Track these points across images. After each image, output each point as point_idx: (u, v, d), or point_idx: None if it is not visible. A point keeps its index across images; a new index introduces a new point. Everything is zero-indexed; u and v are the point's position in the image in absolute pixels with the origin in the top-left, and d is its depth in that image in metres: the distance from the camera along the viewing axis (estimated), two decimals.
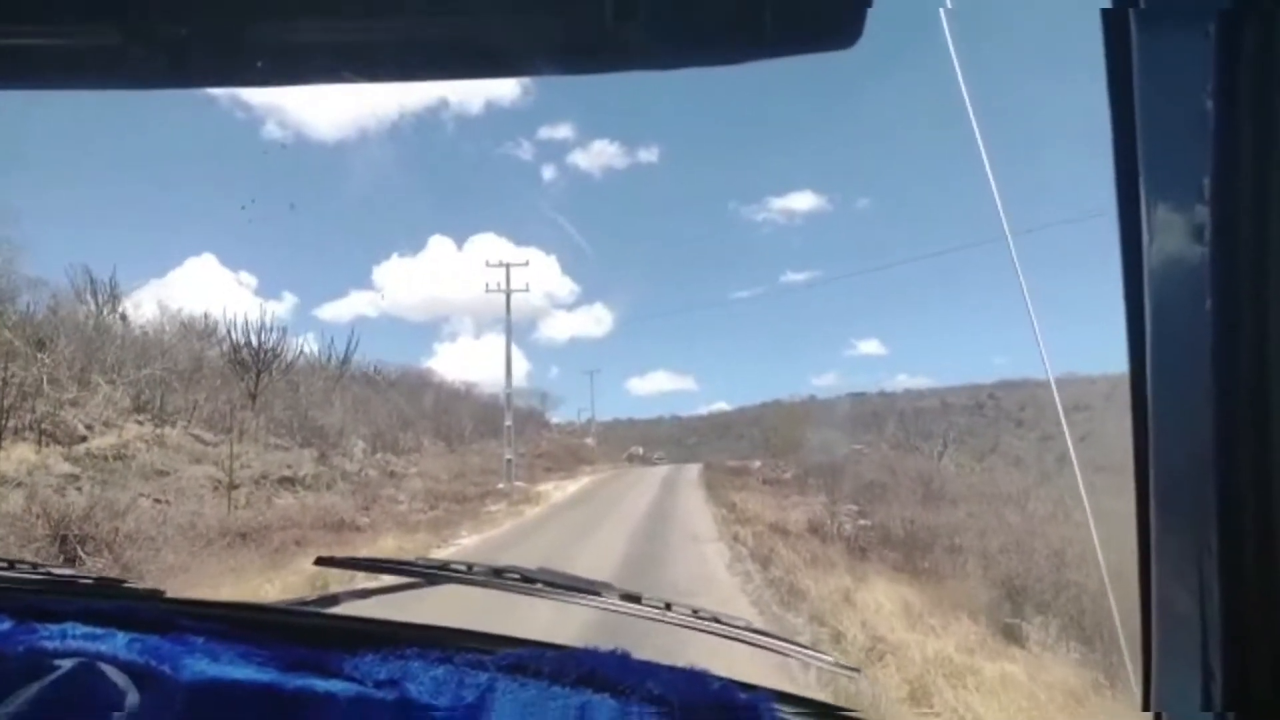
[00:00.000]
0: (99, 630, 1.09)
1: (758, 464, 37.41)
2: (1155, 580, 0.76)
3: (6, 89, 1.29)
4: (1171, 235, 0.73)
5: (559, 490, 26.71)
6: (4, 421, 16.26)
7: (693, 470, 36.93)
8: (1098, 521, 1.37)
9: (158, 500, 15.79)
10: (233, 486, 18.07)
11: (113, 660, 1.04)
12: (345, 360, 32.22)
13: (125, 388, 20.44)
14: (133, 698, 0.99)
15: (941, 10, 1.32)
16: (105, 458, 16.90)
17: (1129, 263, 0.75)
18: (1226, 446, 0.70)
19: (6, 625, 1.11)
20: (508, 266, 28.04)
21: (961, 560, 13.34)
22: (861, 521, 20.29)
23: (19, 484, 13.92)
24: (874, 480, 25.69)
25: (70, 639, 1.07)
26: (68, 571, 1.56)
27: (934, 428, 39.40)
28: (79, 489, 14.73)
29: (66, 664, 1.02)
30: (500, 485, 25.09)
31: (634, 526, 17.06)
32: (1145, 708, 0.78)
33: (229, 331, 26.69)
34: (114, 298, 25.73)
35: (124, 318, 25.78)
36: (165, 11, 0.84)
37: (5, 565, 1.37)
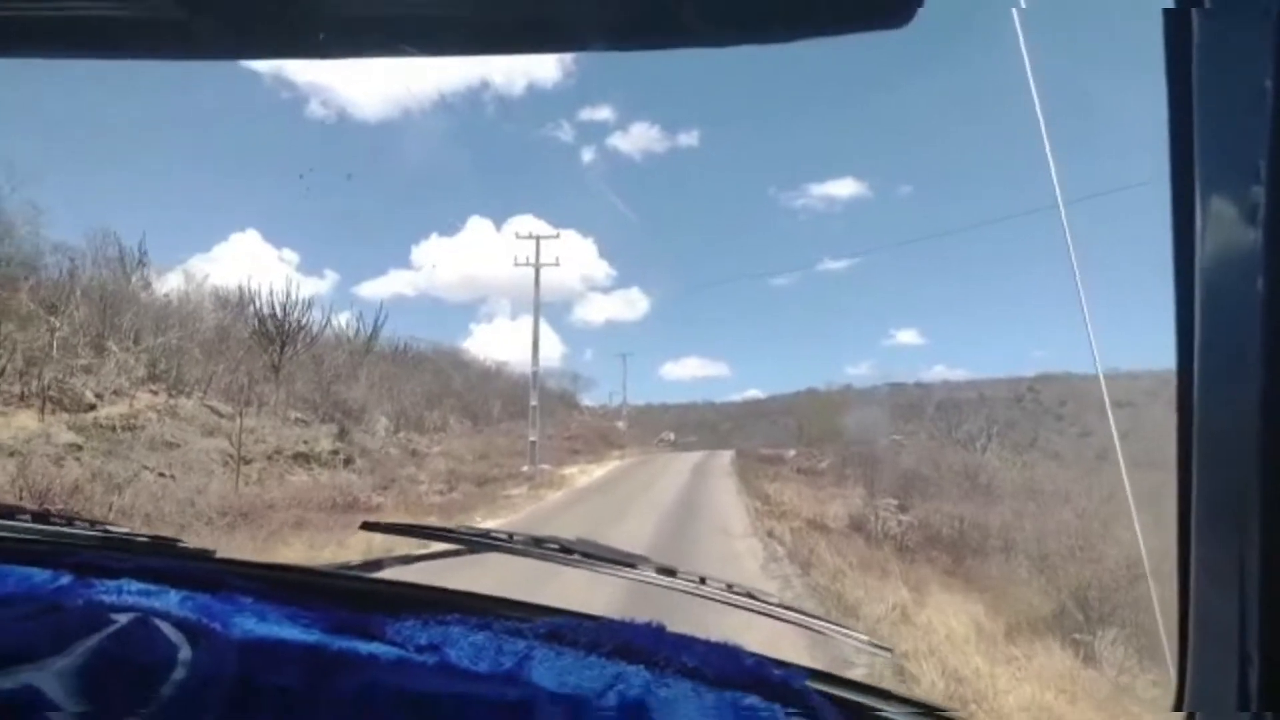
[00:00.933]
0: (153, 587, 1.13)
1: (792, 453, 36.26)
2: (1194, 578, 0.75)
3: (69, 57, 1.24)
4: (1224, 219, 0.71)
5: (584, 474, 25.65)
6: (9, 386, 15.71)
7: (725, 457, 35.79)
8: (1141, 518, 1.51)
9: (162, 474, 15.13)
10: (244, 461, 17.41)
11: (166, 616, 1.05)
12: (373, 335, 31.58)
13: (141, 355, 19.88)
14: (185, 652, 0.99)
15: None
16: (113, 428, 16.28)
17: (1180, 247, 0.74)
18: (1274, 444, 0.68)
19: (66, 580, 1.15)
20: (538, 239, 27.00)
21: (1016, 564, 12.20)
22: (902, 517, 19.17)
23: (13, 453, 13.27)
24: (915, 473, 24.47)
25: (126, 594, 1.11)
26: (123, 530, 1.51)
27: (973, 420, 38.03)
28: (79, 460, 14.13)
29: (123, 618, 1.03)
30: (525, 468, 24.18)
31: (659, 517, 15.89)
32: (1178, 707, 0.77)
33: (253, 303, 26.05)
34: (141, 264, 25.34)
35: (147, 284, 25.30)
36: None
37: (64, 522, 1.43)
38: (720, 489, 23.08)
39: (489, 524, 14.80)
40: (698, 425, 56.32)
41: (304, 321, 26.48)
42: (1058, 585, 10.42)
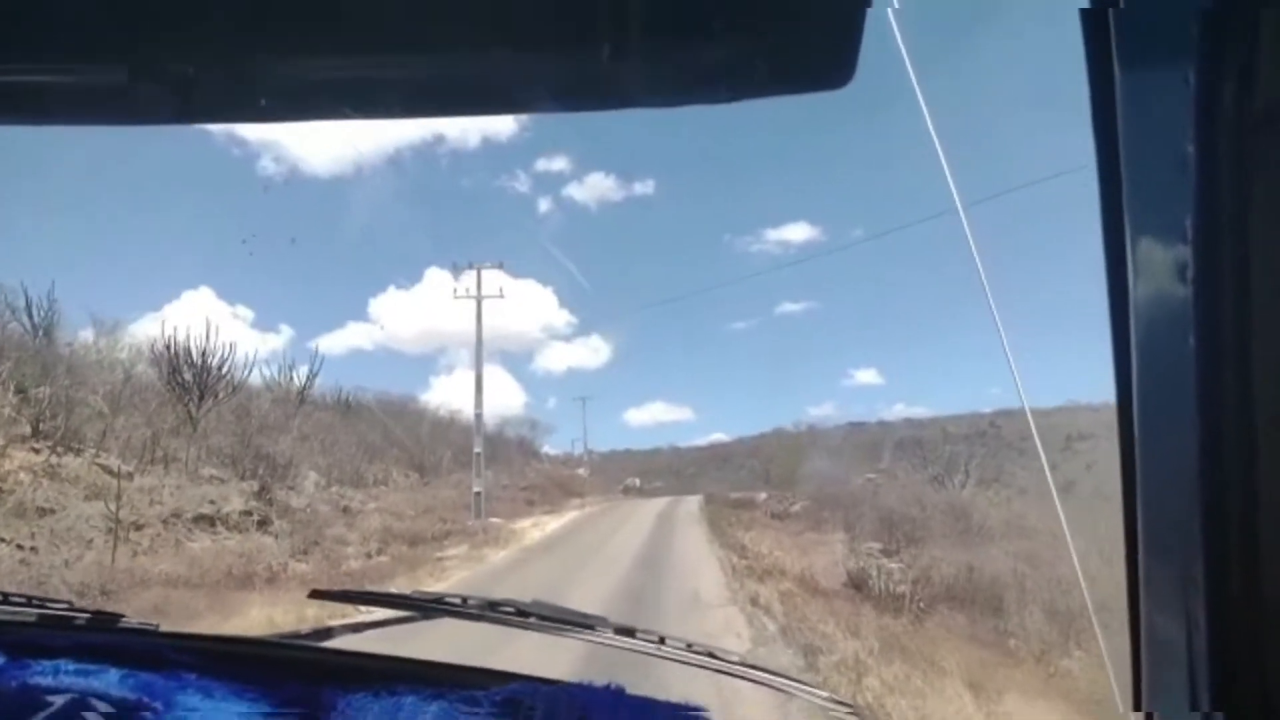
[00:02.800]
0: (91, 666, 1.09)
1: (763, 496, 34.18)
2: (1143, 584, 0.79)
3: (16, 124, 1.11)
4: (1157, 280, 0.75)
5: (537, 528, 23.14)
6: None
7: (692, 503, 33.56)
8: (1074, 534, 1.63)
9: (21, 546, 12.64)
10: (134, 527, 14.90)
11: (105, 697, 1.03)
12: (307, 384, 29.03)
13: (25, 409, 17.32)
14: None
15: (906, 61, 1.49)
16: None
17: (1116, 308, 0.77)
18: (1211, 463, 0.72)
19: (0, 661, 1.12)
20: (479, 270, 24.93)
21: (1038, 619, 10.15)
22: (891, 565, 17.12)
23: None
24: (898, 513, 22.46)
25: (63, 675, 1.07)
26: (62, 606, 1.42)
27: (948, 456, 36.66)
28: None
29: (59, 700, 1.01)
30: (471, 522, 21.74)
31: (616, 582, 13.21)
32: (1137, 707, 0.80)
33: (168, 349, 23.49)
34: (49, 315, 22.76)
35: (46, 333, 22.68)
36: (170, 49, 0.85)
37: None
38: (689, 540, 20.65)
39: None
40: (663, 471, 55.17)
41: (225, 370, 23.97)
42: (1091, 652, 8.46)
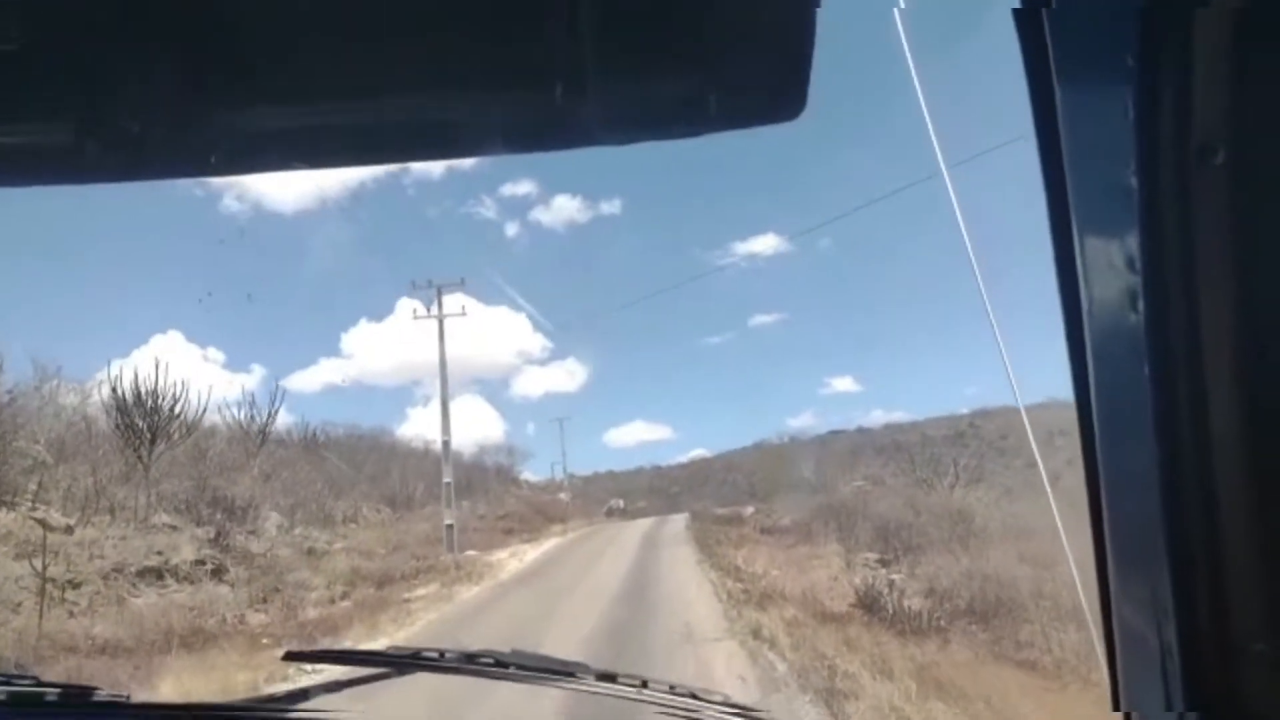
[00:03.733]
0: None
1: (750, 510, 33.25)
2: (1113, 588, 0.80)
3: None
4: (1109, 305, 0.77)
5: (515, 558, 21.84)
6: None
7: (678, 521, 32.36)
8: (1069, 537, 1.56)
9: None
10: (70, 585, 13.59)
11: None
12: (268, 421, 27.61)
13: None
14: None
15: (911, 62, 1.49)
16: None
17: (1072, 330, 0.79)
18: (1170, 475, 0.74)
19: None
20: (438, 289, 23.73)
21: (1066, 628, 9.16)
22: (895, 577, 16.10)
23: None
24: (894, 520, 21.53)
25: None
26: (30, 680, 1.41)
27: (925, 459, 36.08)
28: None
29: None
30: (444, 557, 20.46)
31: (599, 619, 11.44)
32: (1116, 707, 0.82)
33: (115, 391, 22.11)
34: None
35: None
36: (117, 107, 0.84)
37: None
38: (677, 563, 19.26)
39: (366, 644, 11.23)
40: (647, 490, 54.36)
41: (178, 412, 22.60)
42: None
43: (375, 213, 51.88)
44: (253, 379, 47.85)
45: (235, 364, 54.28)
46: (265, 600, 15.63)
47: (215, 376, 39.29)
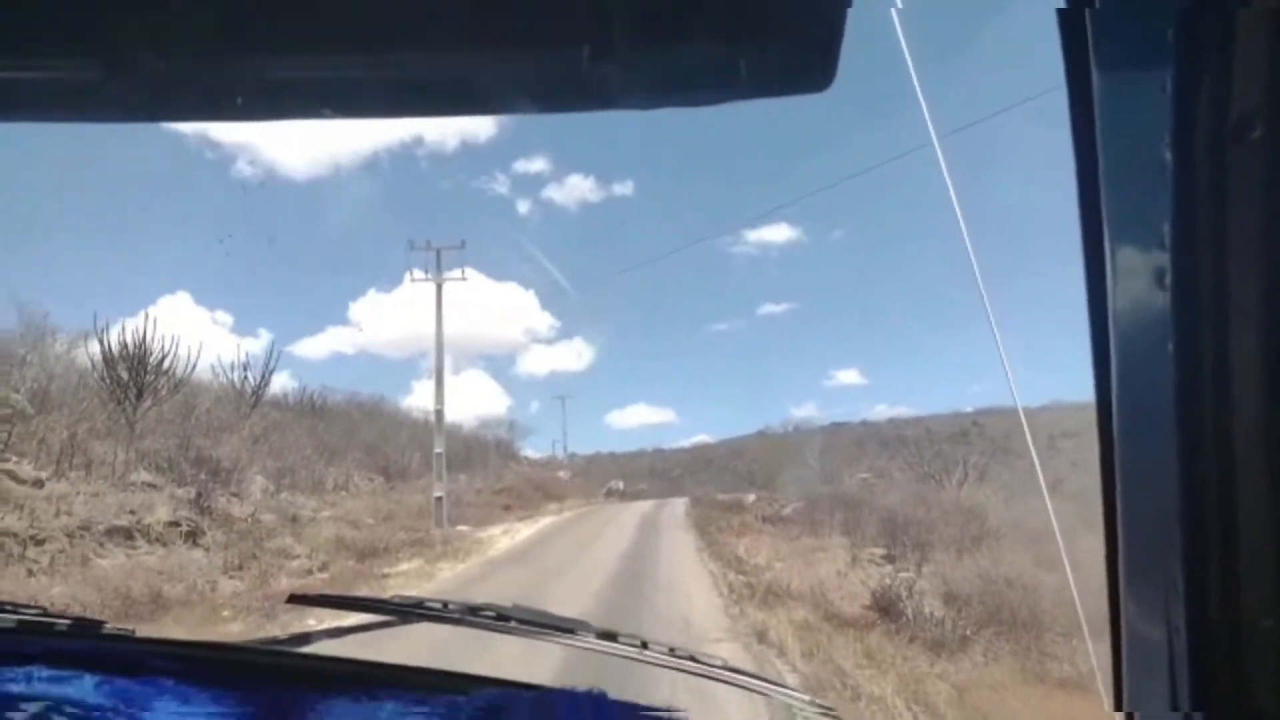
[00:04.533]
0: (66, 672, 1.08)
1: (752, 497, 32.35)
2: (1123, 589, 0.80)
3: None
4: (1136, 285, 0.76)
5: (508, 535, 20.84)
6: None
7: (678, 506, 31.38)
8: (1066, 540, 1.62)
9: None
10: (33, 542, 12.84)
11: (80, 704, 1.02)
12: (262, 381, 26.81)
13: None
14: None
15: (907, 55, 1.45)
16: None
17: (1095, 311, 0.79)
18: (1190, 467, 0.73)
19: None
20: (438, 251, 22.65)
21: (1086, 641, 8.29)
22: (904, 574, 15.26)
23: None
24: (901, 516, 20.70)
25: (36, 681, 1.06)
26: (38, 611, 1.41)
27: (934, 454, 35.51)
28: None
29: (32, 708, 1.00)
30: (433, 530, 19.63)
31: (588, 607, 10.06)
32: (1118, 708, 0.82)
33: (102, 342, 21.33)
34: None
35: None
36: (146, 45, 0.85)
37: None
38: (676, 550, 18.24)
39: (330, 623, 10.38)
40: (648, 473, 53.79)
41: (166, 366, 21.82)
42: None
43: (388, 184, 51.78)
44: (259, 344, 47.92)
45: (243, 329, 54.20)
46: (241, 567, 14.87)
47: (223, 340, 38.91)
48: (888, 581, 11.30)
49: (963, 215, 1.70)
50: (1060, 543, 1.73)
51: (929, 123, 1.62)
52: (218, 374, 25.99)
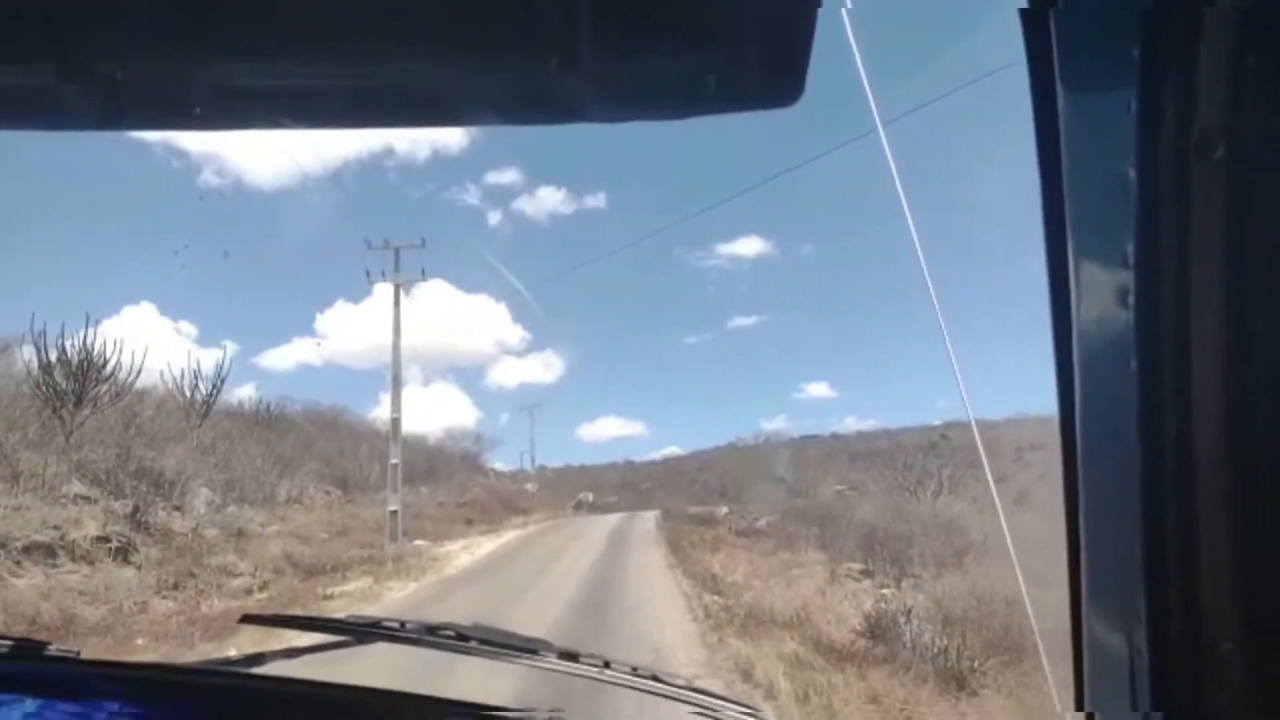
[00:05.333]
0: (6, 696, 1.05)
1: (724, 510, 31.54)
2: (1084, 587, 0.81)
3: None
4: (1098, 302, 0.76)
5: (467, 551, 19.76)
6: None
7: (649, 519, 30.43)
8: (1014, 541, 1.70)
9: None
10: None
11: None
12: (213, 390, 25.51)
13: None
14: None
15: (863, 75, 1.51)
16: None
17: (1059, 329, 0.79)
18: (1150, 473, 0.74)
19: None
20: (396, 250, 21.46)
21: None
22: (885, 591, 14.51)
23: None
24: (881, 530, 19.99)
25: None
26: None
27: (907, 466, 35.38)
28: None
29: None
30: (387, 546, 18.50)
31: (549, 631, 8.28)
32: (1079, 707, 0.82)
33: (38, 347, 20.06)
34: None
35: None
36: (103, 53, 0.83)
37: None
38: (646, 567, 17.10)
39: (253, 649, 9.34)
40: (618, 485, 52.94)
41: (109, 372, 20.58)
42: None
43: (356, 194, 50.56)
44: (224, 354, 44.53)
45: (207, 339, 54.29)
46: (176, 586, 13.80)
47: (187, 351, 37.90)
48: (881, 605, 10.38)
49: (916, 233, 1.67)
50: (1008, 540, 1.76)
51: (883, 139, 1.61)
52: (167, 382, 24.70)
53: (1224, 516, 0.72)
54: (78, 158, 37.65)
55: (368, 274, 21.95)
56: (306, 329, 65.25)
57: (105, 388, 20.54)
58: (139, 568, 14.06)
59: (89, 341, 20.21)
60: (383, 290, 21.80)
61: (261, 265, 54.61)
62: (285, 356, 63.49)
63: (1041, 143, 0.76)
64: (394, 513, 19.20)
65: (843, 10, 1.27)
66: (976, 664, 7.82)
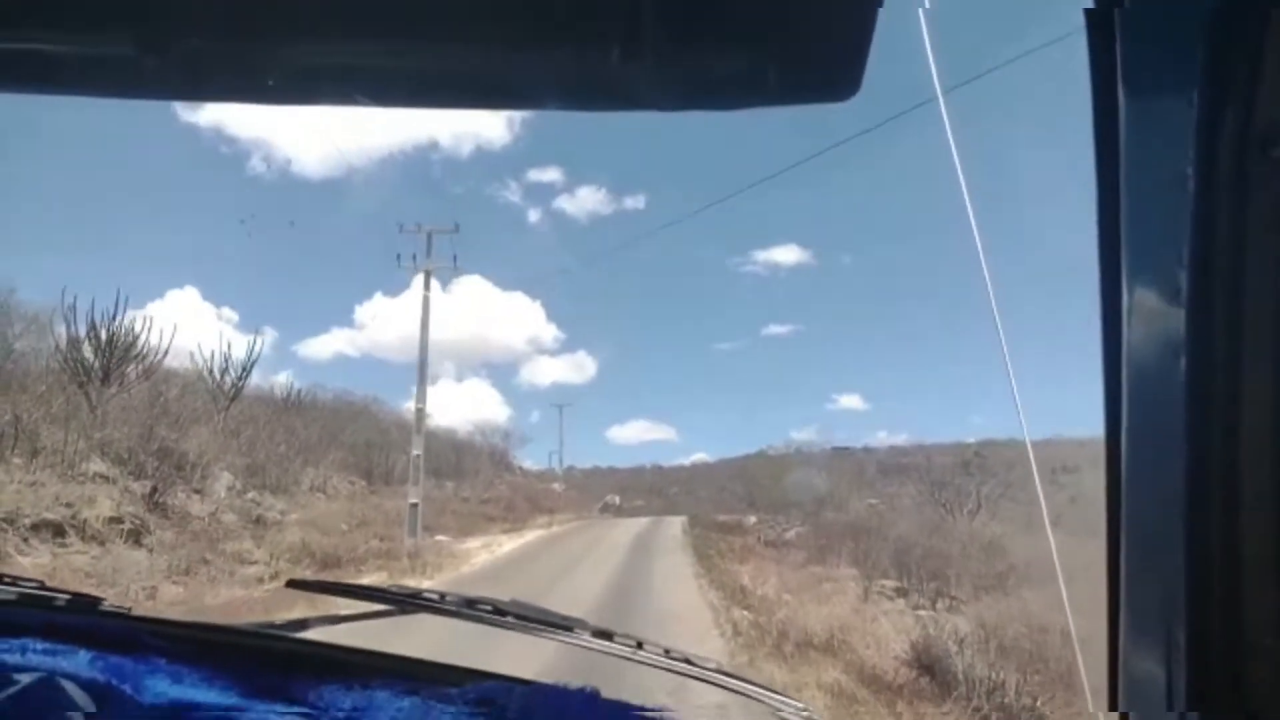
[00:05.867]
0: (61, 646, 1.09)
1: (753, 520, 30.90)
2: (1124, 592, 0.80)
3: (17, 92, 1.08)
4: (1150, 300, 0.76)
5: (487, 549, 19.30)
6: None
7: (675, 525, 29.75)
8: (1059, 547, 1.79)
9: None
10: None
11: (73, 678, 1.02)
12: (243, 373, 25.28)
13: None
14: (90, 715, 0.96)
15: (933, 71, 1.50)
16: None
17: (1108, 327, 0.80)
18: (1196, 476, 0.73)
19: None
20: (429, 234, 20.97)
21: None
22: (922, 612, 13.78)
23: None
24: (919, 547, 19.21)
25: (31, 653, 1.06)
26: (35, 584, 1.39)
27: (944, 482, 34.60)
28: None
29: (26, 679, 1.00)
30: (407, 540, 18.03)
31: (554, 656, 4.92)
32: (1113, 707, 0.82)
33: (67, 321, 19.90)
34: None
35: None
36: (179, 23, 0.86)
37: None
38: (672, 576, 16.19)
39: None
40: (645, 489, 52.83)
41: (137, 349, 20.39)
42: None
43: (398, 188, 51.13)
44: (264, 341, 46.29)
45: (248, 325, 53.73)
46: (188, 572, 13.40)
47: (219, 332, 38.05)
48: (929, 631, 9.59)
49: (982, 245, 1.68)
50: (1060, 578, 1.82)
51: (952, 144, 1.59)
52: (198, 364, 24.53)
53: (1268, 521, 0.71)
54: (125, 142, 38.48)
55: (399, 258, 21.55)
56: (345, 320, 66.27)
57: (133, 366, 20.41)
58: (151, 550, 13.70)
59: (119, 319, 20.02)
60: (419, 282, 21.45)
61: (304, 254, 55.80)
62: (324, 346, 64.51)
63: (1100, 141, 0.76)
64: (414, 506, 18.69)
65: (919, 10, 1.27)
66: (1039, 702, 7.05)
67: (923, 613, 13.97)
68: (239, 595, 12.00)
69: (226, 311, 40.44)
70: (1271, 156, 0.68)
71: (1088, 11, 0.76)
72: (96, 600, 1.36)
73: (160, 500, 15.93)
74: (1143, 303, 0.76)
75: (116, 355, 20.00)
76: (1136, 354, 0.77)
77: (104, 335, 19.94)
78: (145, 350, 20.59)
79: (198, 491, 17.83)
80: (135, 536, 13.87)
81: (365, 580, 13.80)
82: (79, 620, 1.19)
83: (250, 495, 19.20)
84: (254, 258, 55.14)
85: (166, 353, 21.44)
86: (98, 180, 46.44)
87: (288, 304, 58.81)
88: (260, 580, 13.46)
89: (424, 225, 21.34)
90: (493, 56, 0.88)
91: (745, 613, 11.28)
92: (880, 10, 0.78)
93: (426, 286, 20.86)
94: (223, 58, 0.87)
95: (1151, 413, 0.77)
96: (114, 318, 20.14)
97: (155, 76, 0.89)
